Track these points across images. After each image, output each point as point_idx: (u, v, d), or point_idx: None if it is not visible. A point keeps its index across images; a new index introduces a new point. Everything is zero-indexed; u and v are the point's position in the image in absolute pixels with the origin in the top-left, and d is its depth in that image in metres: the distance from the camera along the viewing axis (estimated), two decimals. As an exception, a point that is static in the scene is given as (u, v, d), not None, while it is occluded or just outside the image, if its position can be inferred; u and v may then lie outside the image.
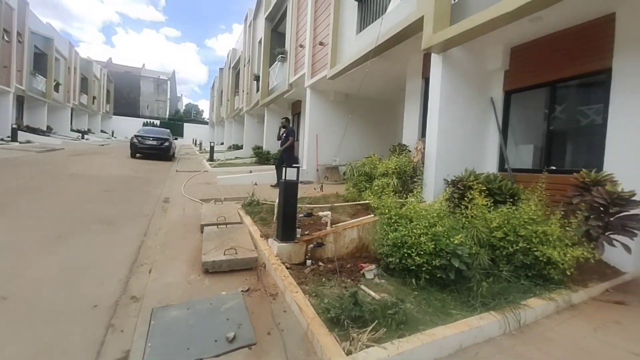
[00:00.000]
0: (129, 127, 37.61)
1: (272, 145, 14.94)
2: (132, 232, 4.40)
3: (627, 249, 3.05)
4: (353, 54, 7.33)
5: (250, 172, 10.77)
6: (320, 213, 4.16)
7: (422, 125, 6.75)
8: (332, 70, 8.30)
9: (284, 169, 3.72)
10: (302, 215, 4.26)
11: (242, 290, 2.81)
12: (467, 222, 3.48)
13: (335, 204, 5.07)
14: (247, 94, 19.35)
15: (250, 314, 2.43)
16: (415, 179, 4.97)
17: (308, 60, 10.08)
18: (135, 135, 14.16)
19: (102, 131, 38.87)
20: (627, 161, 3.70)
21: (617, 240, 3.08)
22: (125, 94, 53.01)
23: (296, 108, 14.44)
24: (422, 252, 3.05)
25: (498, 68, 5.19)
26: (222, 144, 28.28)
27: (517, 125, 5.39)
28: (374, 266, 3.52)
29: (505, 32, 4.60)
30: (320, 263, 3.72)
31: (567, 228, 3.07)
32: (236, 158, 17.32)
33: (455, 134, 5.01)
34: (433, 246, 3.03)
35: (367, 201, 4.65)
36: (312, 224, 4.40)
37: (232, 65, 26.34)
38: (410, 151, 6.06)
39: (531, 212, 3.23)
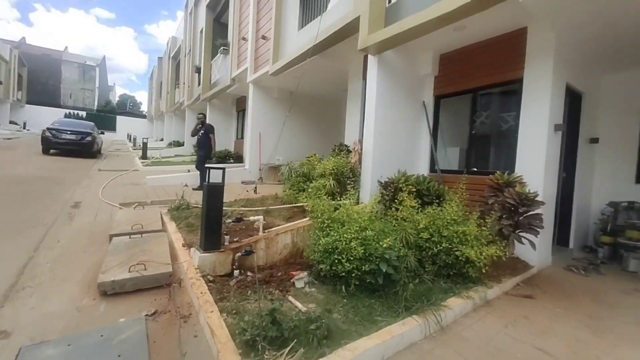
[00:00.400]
0: (47, 117, 32.50)
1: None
2: (20, 246, 3.64)
3: (533, 245, 3.34)
4: (295, 50, 7.12)
5: (189, 171, 9.95)
6: (252, 217, 3.88)
7: (362, 126, 6.82)
8: (274, 66, 7.99)
9: (207, 170, 3.36)
10: (231, 220, 3.93)
11: (146, 315, 2.42)
12: (397, 224, 3.50)
13: (272, 207, 4.82)
14: (189, 86, 17.99)
15: (150, 345, 2.08)
16: (352, 181, 4.94)
17: (251, 54, 9.61)
18: (49, 128, 12.16)
19: (11, 122, 33.08)
20: (531, 164, 4.08)
21: (525, 238, 3.35)
22: (42, 80, 45.86)
23: (241, 104, 13.78)
24: (352, 258, 2.97)
25: (428, 73, 5.41)
26: (162, 140, 26.02)
27: (446, 129, 5.69)
28: (305, 274, 3.37)
29: (434, 39, 4.80)
30: (249, 273, 3.45)
31: (483, 228, 3.25)
32: (176, 156, 16.00)
33: (391, 135, 5.10)
34: (363, 251, 2.96)
35: (302, 204, 4.49)
36: (243, 230, 4.10)
37: (172, 55, 24.30)
38: (350, 152, 6.06)
39: (453, 212, 3.36)
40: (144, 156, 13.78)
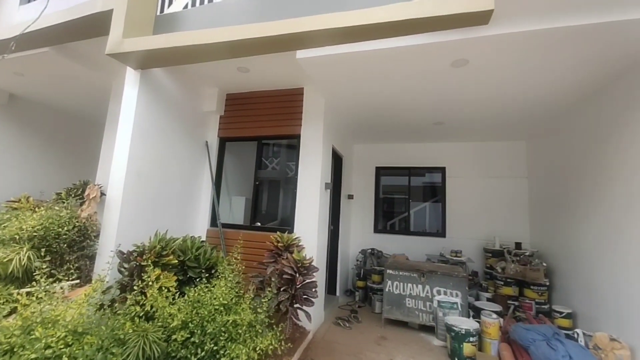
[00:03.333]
0: None
1: None
2: None
3: (308, 316, 3.03)
4: (12, 27, 4.48)
5: None
6: None
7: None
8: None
9: None
10: None
11: None
12: (135, 327, 2.20)
13: None
14: None
15: None
16: (80, 249, 3.14)
17: None
18: None
19: None
20: (307, 220, 4.07)
21: (301, 310, 2.99)
22: None
23: None
24: None
25: (213, 111, 4.72)
26: None
27: (232, 176, 5.10)
28: None
29: (220, 73, 4.22)
30: None
31: (259, 310, 2.58)
32: None
33: (157, 180, 3.81)
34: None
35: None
36: None
37: None
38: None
39: (222, 294, 2.51)
40: None
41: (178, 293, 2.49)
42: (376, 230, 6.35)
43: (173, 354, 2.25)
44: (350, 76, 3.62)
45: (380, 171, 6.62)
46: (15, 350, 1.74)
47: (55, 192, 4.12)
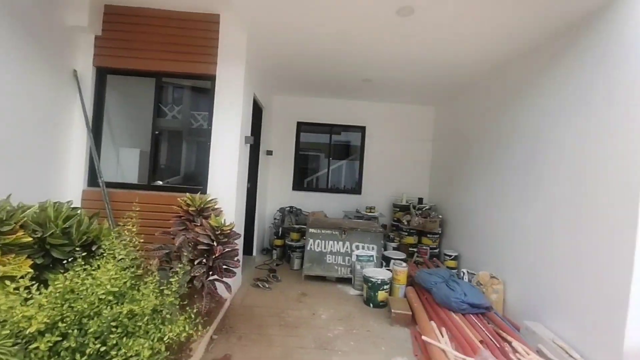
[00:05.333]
0: None
1: None
2: None
3: (228, 287, 2.68)
4: None
5: None
6: None
7: None
8: None
9: None
10: None
11: None
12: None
13: None
14: None
15: None
16: None
17: None
18: None
19: None
20: (223, 179, 3.53)
21: (220, 282, 2.61)
22: None
23: None
24: None
25: (84, 27, 3.38)
26: None
27: (119, 121, 3.96)
28: None
29: None
30: None
31: (165, 291, 2.09)
32: None
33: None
34: None
35: None
36: None
37: None
38: None
39: (110, 279, 1.90)
40: None
41: (36, 284, 1.76)
42: (294, 187, 6.18)
43: (33, 363, 1.62)
44: (283, 3, 2.96)
45: (302, 126, 6.28)
46: None
47: None
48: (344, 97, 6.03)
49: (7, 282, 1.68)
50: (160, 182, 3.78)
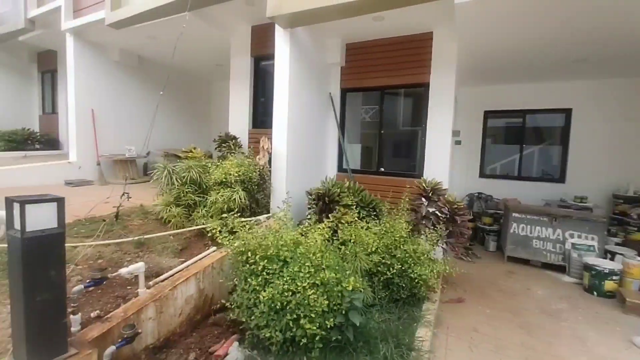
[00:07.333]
0: None
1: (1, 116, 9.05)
2: None
3: (464, 252, 3.48)
4: (153, -3, 5.01)
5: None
6: (124, 270, 2.28)
7: (252, 114, 5.70)
8: (115, 14, 5.45)
9: (16, 204, 1.59)
10: (85, 285, 2.17)
11: None
12: (345, 250, 2.86)
13: (148, 235, 3.16)
14: None
15: None
16: (262, 190, 3.91)
17: (66, -14, 6.30)
18: None
19: None
20: (438, 168, 4.31)
21: (459, 246, 3.44)
22: None
23: (46, 62, 9.29)
24: (313, 315, 2.12)
25: (336, 62, 4.91)
26: None
27: (352, 125, 5.44)
28: (235, 346, 2.25)
29: (345, 24, 4.23)
30: (134, 370, 2.01)
31: (429, 244, 3.08)
32: None
33: (302, 130, 4.32)
34: (327, 302, 2.17)
35: (204, 226, 3.12)
36: (104, 288, 2.42)
37: None
38: (241, 146, 4.90)
39: (402, 229, 3.03)
40: None
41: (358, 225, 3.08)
42: (482, 174, 6.37)
43: (371, 269, 2.88)
44: (509, 13, 3.38)
45: (489, 115, 6.35)
46: (287, 261, 2.45)
47: (214, 141, 4.95)
48: (538, 81, 5.66)
49: (350, 224, 3.04)
50: (382, 169, 5.00)
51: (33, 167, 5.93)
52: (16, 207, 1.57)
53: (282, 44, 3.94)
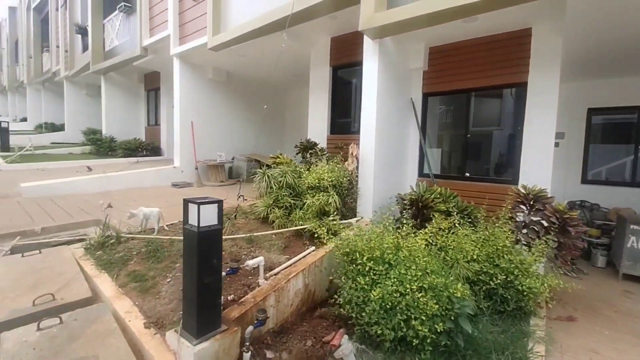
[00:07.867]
0: None
1: (117, 129, 11.01)
2: None
3: (575, 269, 3.20)
4: (247, 20, 5.61)
5: (89, 169, 7.39)
6: (250, 262, 2.67)
7: (331, 121, 5.98)
8: (215, 39, 6.25)
9: (193, 205, 2.01)
10: (227, 272, 2.62)
11: None
12: (445, 256, 2.88)
13: (257, 233, 3.59)
14: (66, 52, 13.50)
15: None
16: (352, 194, 4.11)
17: (174, 18, 7.42)
18: None
19: None
20: (538, 173, 3.99)
21: (570, 262, 3.17)
22: None
23: (151, 82, 11.01)
24: (424, 317, 2.21)
25: (418, 67, 4.89)
26: (25, 120, 19.44)
27: (433, 130, 5.35)
28: (345, 339, 2.45)
29: (430, 29, 4.18)
30: (263, 349, 2.34)
31: (537, 255, 2.91)
32: (53, 144, 11.97)
33: (387, 135, 4.41)
34: (437, 306, 2.23)
35: (306, 226, 3.43)
36: (232, 277, 2.84)
37: (33, 6, 17.97)
38: (325, 152, 5.16)
39: (505, 238, 2.92)
40: (4, 147, 9.72)
41: (451, 231, 3.05)
42: (584, 180, 5.67)
43: (471, 277, 2.84)
44: None
45: (593, 112, 5.63)
46: (391, 263, 2.59)
47: (295, 147, 5.31)
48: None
49: (449, 232, 3.03)
50: (467, 174, 4.81)
51: (147, 171, 7.11)
52: (193, 207, 1.99)
53: (370, 54, 4.10)
